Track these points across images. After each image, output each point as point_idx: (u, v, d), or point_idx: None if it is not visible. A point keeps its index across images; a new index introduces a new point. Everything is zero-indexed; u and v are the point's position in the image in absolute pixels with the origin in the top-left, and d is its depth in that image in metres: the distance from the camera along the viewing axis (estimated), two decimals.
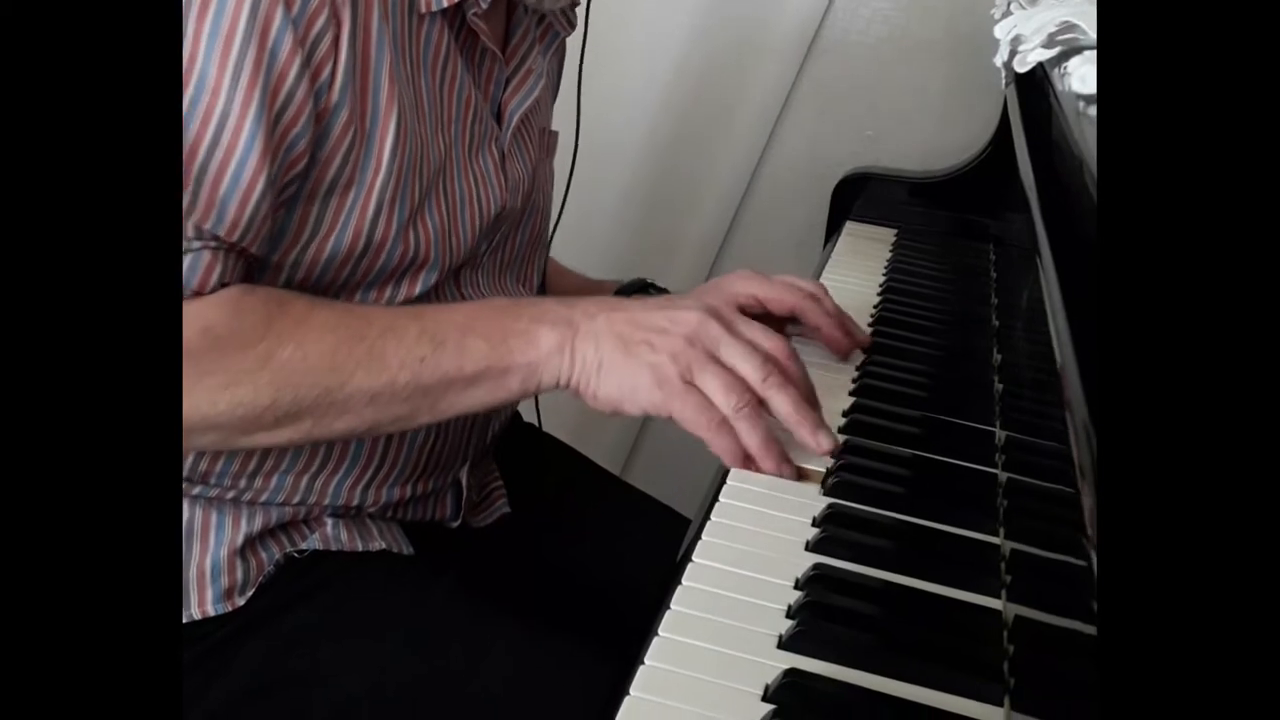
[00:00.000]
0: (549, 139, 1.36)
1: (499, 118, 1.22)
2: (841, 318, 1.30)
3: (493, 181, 1.19)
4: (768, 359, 1.05)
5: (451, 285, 1.20)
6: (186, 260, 0.96)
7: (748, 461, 1.04)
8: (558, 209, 1.44)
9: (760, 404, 1.04)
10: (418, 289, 1.13)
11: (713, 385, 1.02)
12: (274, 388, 0.98)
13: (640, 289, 1.47)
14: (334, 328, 1.02)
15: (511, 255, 1.30)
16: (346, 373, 1.01)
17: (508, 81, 1.22)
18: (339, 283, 1.09)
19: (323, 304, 1.05)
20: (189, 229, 0.96)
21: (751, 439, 1.02)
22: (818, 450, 1.06)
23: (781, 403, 1.04)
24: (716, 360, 1.03)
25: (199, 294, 0.98)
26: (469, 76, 1.16)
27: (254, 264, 1.04)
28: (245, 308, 0.99)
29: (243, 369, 0.98)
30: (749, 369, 1.03)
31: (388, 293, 1.12)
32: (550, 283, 1.49)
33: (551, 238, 1.43)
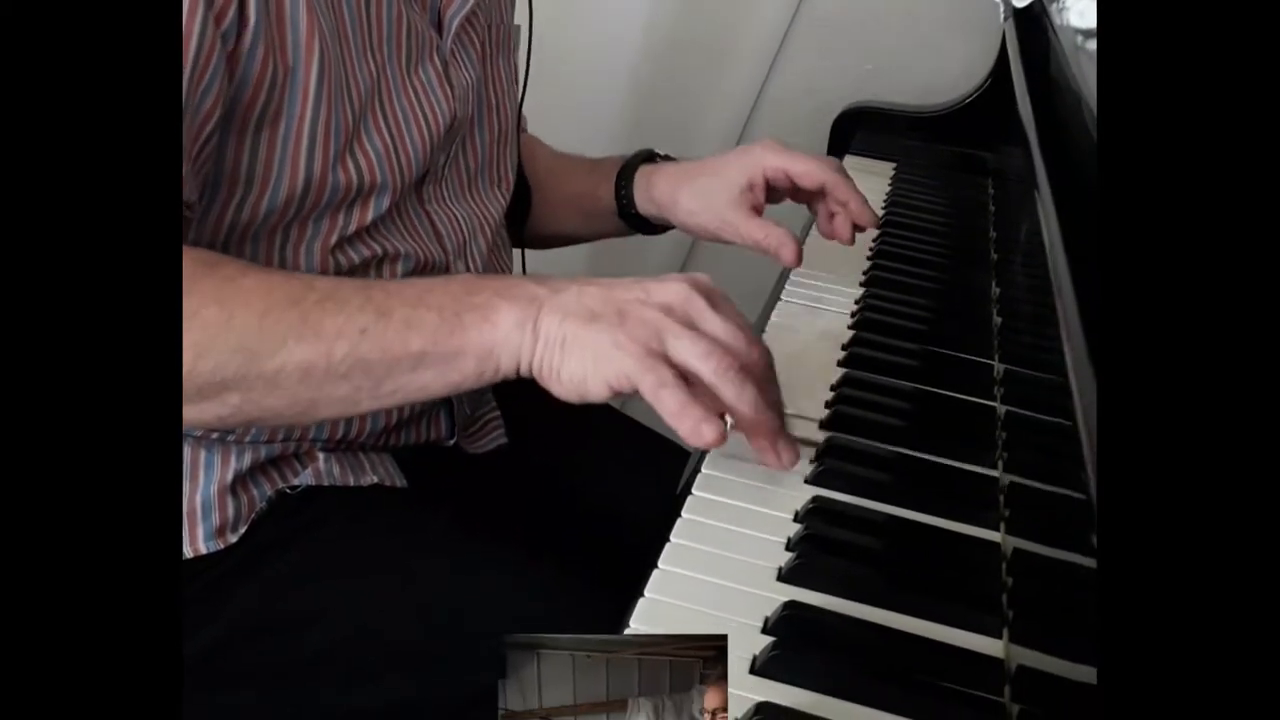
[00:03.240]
0: (504, 35, 1.31)
1: (440, 26, 1.18)
2: (863, 201, 1.33)
3: (437, 94, 1.15)
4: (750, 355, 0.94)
5: (414, 204, 1.17)
6: None
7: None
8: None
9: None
10: (370, 214, 1.10)
11: (688, 349, 0.89)
12: (192, 351, 0.89)
13: (648, 159, 1.44)
14: (267, 292, 0.92)
15: (476, 161, 1.26)
16: (275, 340, 0.90)
17: None
18: (286, 220, 1.06)
19: (259, 269, 0.96)
20: None
21: (743, 400, 0.90)
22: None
23: (749, 388, 0.91)
24: (695, 329, 0.91)
25: None
26: None
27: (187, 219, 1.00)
28: None
29: None
30: (731, 341, 0.92)
31: (340, 220, 1.08)
32: (549, 166, 1.48)
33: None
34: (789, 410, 1.02)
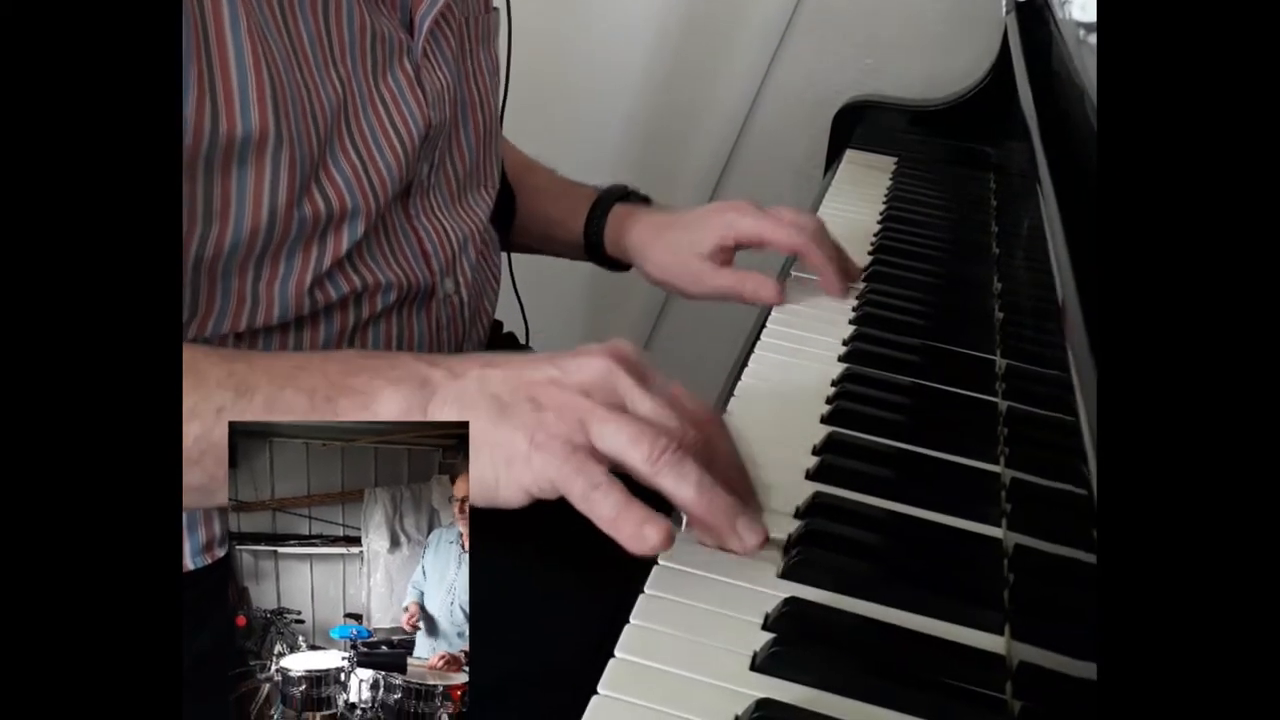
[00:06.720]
0: (484, 26, 1.26)
1: (411, 27, 1.13)
2: (841, 259, 1.32)
3: (408, 101, 1.10)
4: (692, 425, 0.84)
5: (400, 221, 1.14)
6: None
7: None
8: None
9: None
10: (345, 243, 1.06)
11: (617, 438, 0.79)
12: None
13: (621, 197, 1.42)
14: None
15: (465, 166, 1.23)
16: None
17: None
18: (256, 254, 1.01)
19: None
20: None
21: (684, 488, 0.80)
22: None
23: (690, 475, 0.81)
24: (622, 411, 0.82)
25: None
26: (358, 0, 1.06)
27: None
28: None
29: None
30: (665, 420, 0.82)
31: (314, 253, 1.04)
32: (518, 177, 1.45)
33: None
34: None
